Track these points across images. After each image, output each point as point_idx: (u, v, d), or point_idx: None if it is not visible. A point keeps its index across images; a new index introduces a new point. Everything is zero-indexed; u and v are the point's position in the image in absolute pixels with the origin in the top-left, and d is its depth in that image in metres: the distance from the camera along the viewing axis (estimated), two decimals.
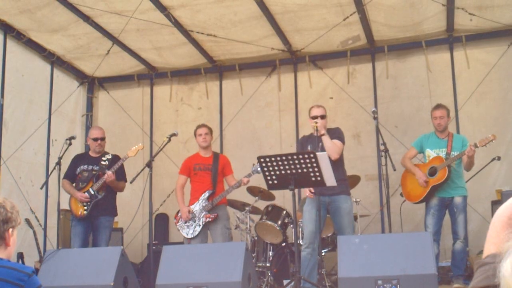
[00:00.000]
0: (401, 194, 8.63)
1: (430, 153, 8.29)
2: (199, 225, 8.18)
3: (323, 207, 7.35)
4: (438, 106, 8.46)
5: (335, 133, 7.65)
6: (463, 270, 8.06)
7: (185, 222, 8.25)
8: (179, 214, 8.39)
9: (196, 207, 8.26)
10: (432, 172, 8.13)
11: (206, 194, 8.26)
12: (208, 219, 8.17)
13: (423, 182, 8.11)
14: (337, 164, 7.42)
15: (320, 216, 7.20)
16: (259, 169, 8.14)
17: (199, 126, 8.64)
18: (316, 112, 7.63)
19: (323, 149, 7.32)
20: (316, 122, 7.39)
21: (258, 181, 8.67)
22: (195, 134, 8.59)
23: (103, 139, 8.56)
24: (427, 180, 8.10)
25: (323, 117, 7.57)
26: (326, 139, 7.43)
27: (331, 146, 7.37)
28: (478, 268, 1.37)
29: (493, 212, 8.91)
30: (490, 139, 7.81)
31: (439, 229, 8.22)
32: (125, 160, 8.24)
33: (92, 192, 8.10)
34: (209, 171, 8.42)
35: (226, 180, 8.54)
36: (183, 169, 8.60)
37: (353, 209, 7.67)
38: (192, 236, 8.18)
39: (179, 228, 8.34)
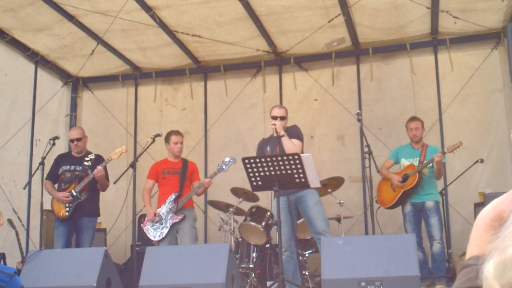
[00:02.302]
0: (376, 201, 8.74)
1: (405, 162, 8.68)
2: (166, 227, 8.20)
3: (293, 207, 7.37)
4: (413, 118, 8.85)
5: (293, 132, 7.67)
6: (444, 271, 8.17)
7: (152, 225, 8.25)
8: (146, 218, 8.40)
9: (163, 209, 8.30)
10: (405, 178, 8.52)
11: (173, 196, 8.30)
12: (175, 220, 8.20)
13: (397, 182, 8.44)
14: None
15: (292, 217, 7.22)
16: (224, 167, 8.23)
17: (175, 133, 8.66)
18: (276, 112, 7.69)
19: (281, 150, 7.35)
20: (275, 124, 7.41)
21: (242, 182, 8.67)
22: (168, 140, 8.60)
23: (79, 139, 8.50)
24: (399, 181, 8.43)
25: (282, 118, 7.62)
26: (285, 140, 7.43)
27: (291, 147, 7.36)
28: (461, 270, 1.38)
29: (476, 214, 8.97)
30: (457, 145, 8.17)
31: (419, 233, 8.43)
32: (108, 163, 8.22)
33: (75, 194, 8.07)
34: (177, 174, 8.48)
35: (192, 186, 8.57)
36: (151, 174, 8.64)
37: (321, 200, 7.65)
38: (160, 239, 8.20)
39: (146, 232, 8.34)
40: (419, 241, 8.25)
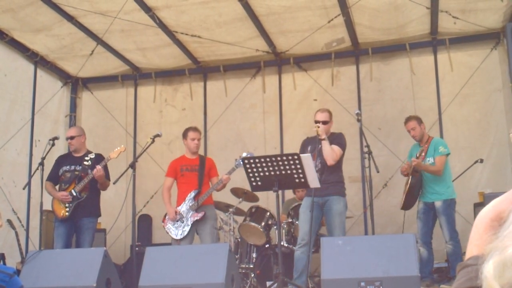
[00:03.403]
0: None
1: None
2: (188, 225, 8.18)
3: (317, 207, 7.39)
4: (407, 119, 8.75)
5: (336, 139, 7.78)
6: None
7: (173, 224, 8.23)
8: (166, 217, 8.37)
9: (183, 207, 8.26)
10: (406, 183, 8.54)
11: (192, 194, 8.27)
12: (196, 218, 8.17)
13: (405, 171, 8.52)
14: (334, 167, 7.55)
15: (312, 217, 7.22)
16: (241, 162, 8.22)
17: (192, 130, 8.62)
18: (319, 117, 7.76)
19: (320, 153, 7.42)
20: (318, 127, 7.46)
21: (242, 182, 8.67)
22: (185, 136, 8.57)
23: (72, 137, 8.48)
24: (407, 168, 8.48)
25: (325, 122, 7.64)
26: (325, 144, 7.51)
27: (329, 152, 7.47)
28: (460, 270, 1.39)
29: (475, 214, 8.97)
30: (423, 149, 8.27)
31: (427, 232, 8.36)
32: (107, 162, 8.20)
33: (75, 194, 8.05)
34: (195, 171, 8.44)
35: (211, 182, 8.53)
36: (170, 172, 8.60)
37: (346, 210, 7.70)
38: (182, 237, 8.16)
39: (167, 231, 8.30)
40: (426, 240, 8.26)
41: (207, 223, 8.23)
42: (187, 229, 8.18)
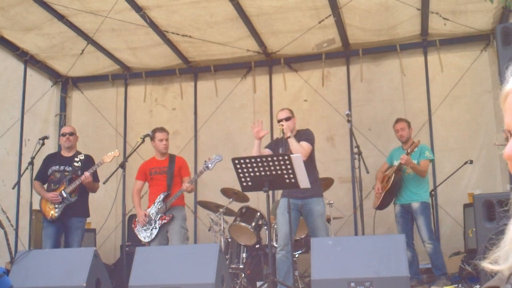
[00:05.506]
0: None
1: (395, 164, 8.65)
2: (156, 228, 8.13)
3: (295, 209, 7.34)
4: (398, 120, 8.93)
5: (304, 135, 7.63)
6: (442, 269, 8.19)
7: (142, 226, 8.20)
8: (136, 219, 8.34)
9: (152, 210, 8.22)
10: (387, 180, 8.65)
11: (161, 196, 8.22)
12: (163, 221, 8.14)
13: (377, 192, 8.72)
14: (308, 166, 7.44)
15: (290, 219, 7.20)
16: (210, 165, 8.18)
17: (160, 130, 8.51)
18: (280, 115, 7.64)
19: (287, 151, 7.32)
20: (282, 125, 7.36)
21: (232, 182, 8.66)
22: (152, 138, 8.46)
23: (71, 134, 8.50)
24: (379, 191, 8.68)
25: (288, 118, 7.54)
26: (292, 142, 7.35)
27: (297, 148, 7.27)
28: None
29: (465, 215, 9.05)
30: (416, 144, 8.29)
31: (408, 233, 8.46)
32: (100, 166, 8.18)
33: (65, 195, 8.03)
34: (164, 174, 8.38)
35: (183, 182, 8.47)
36: (139, 175, 8.55)
37: (325, 210, 7.66)
38: (150, 240, 8.14)
39: (136, 233, 8.26)
40: (408, 242, 8.29)
41: (175, 223, 8.16)
42: (154, 232, 8.13)
